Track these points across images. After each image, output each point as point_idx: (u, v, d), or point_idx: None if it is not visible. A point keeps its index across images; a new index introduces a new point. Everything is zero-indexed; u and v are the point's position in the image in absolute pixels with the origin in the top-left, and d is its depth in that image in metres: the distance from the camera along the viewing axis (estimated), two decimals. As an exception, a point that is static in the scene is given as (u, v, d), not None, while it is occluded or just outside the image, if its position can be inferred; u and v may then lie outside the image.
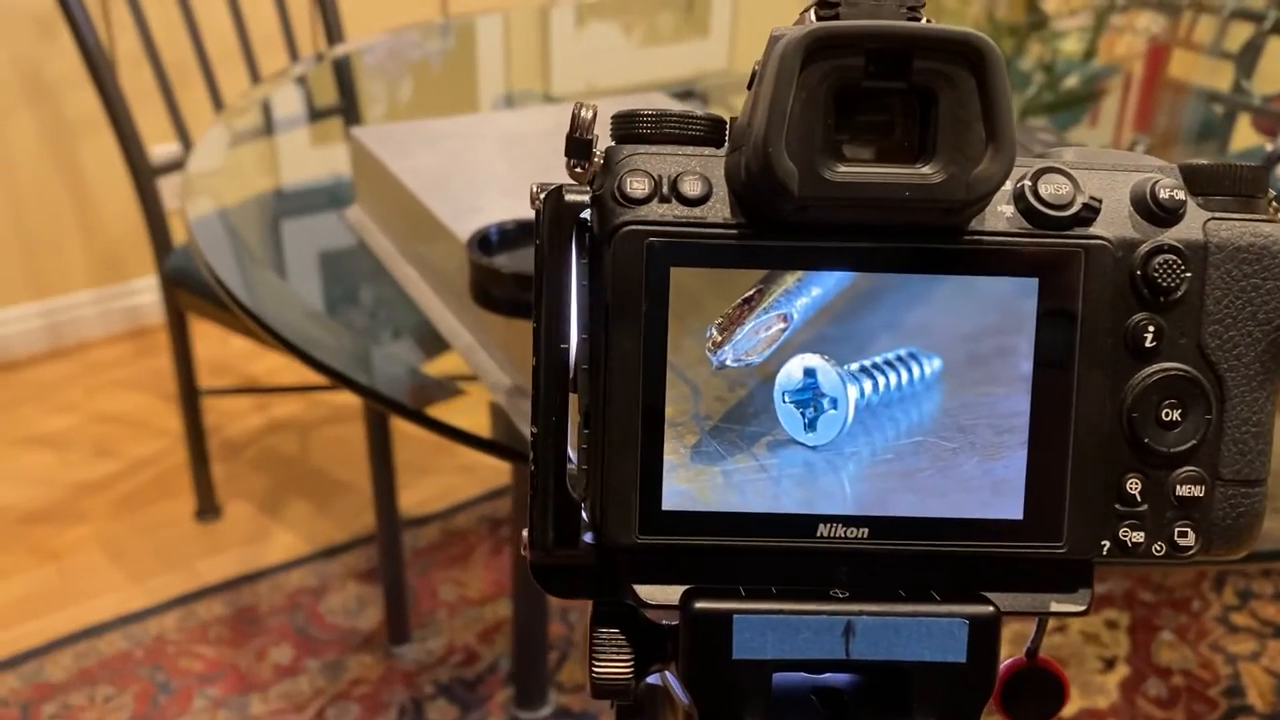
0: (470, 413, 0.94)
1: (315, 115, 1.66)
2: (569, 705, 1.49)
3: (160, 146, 1.79)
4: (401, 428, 1.64)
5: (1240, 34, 1.84)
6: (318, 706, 1.49)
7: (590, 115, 0.33)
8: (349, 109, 1.68)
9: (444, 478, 1.91)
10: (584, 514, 0.34)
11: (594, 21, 2.08)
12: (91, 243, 2.25)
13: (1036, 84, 1.74)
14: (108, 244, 2.27)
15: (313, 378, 1.87)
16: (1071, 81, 1.78)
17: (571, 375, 0.34)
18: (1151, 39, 1.86)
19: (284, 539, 1.79)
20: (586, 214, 0.33)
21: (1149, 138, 1.59)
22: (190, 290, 1.61)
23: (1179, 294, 0.33)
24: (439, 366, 1.01)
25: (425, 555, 1.75)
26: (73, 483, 1.91)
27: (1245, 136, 1.68)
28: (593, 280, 0.33)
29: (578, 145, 0.33)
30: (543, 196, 0.33)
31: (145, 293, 2.30)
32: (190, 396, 1.73)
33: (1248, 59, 1.79)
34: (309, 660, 1.56)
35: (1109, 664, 1.57)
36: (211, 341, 2.09)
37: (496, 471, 1.89)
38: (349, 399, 2.02)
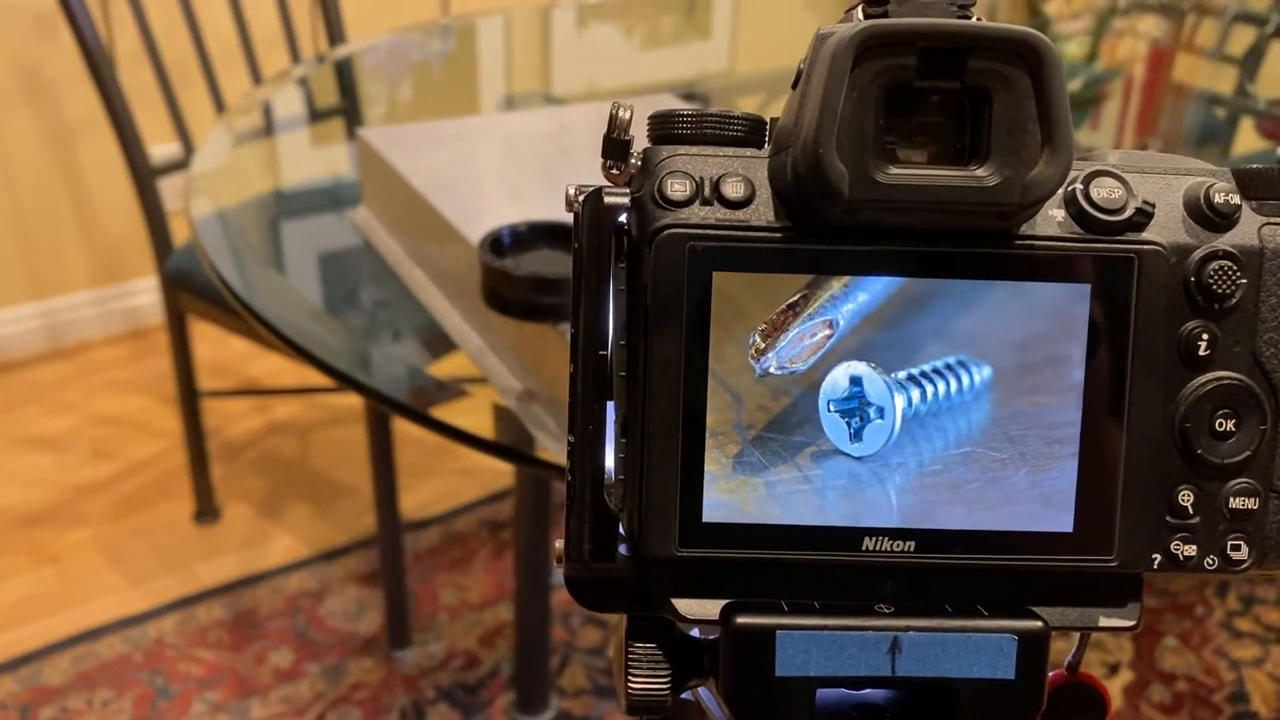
0: (474, 414, 0.93)
1: (316, 116, 1.66)
2: (570, 710, 1.48)
3: (160, 147, 1.78)
4: (402, 430, 1.63)
5: (1243, 38, 1.84)
6: (318, 710, 1.48)
7: (628, 116, 0.32)
8: (350, 110, 1.67)
9: (445, 480, 1.90)
10: (621, 526, 0.33)
11: (595, 23, 2.07)
12: (91, 243, 2.24)
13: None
14: (107, 244, 2.25)
15: (313, 379, 1.86)
16: (1074, 85, 1.77)
17: (610, 383, 0.33)
18: (1153, 42, 1.85)
19: (284, 542, 1.78)
20: (624, 217, 0.32)
21: (1159, 141, 1.59)
22: (190, 291, 1.59)
23: (1233, 301, 0.32)
24: (443, 368, 1.00)
25: (426, 558, 1.74)
26: (71, 484, 1.90)
27: (1249, 140, 1.68)
28: (631, 285, 0.32)
29: (615, 146, 0.32)
30: (581, 199, 0.32)
31: (144, 293, 2.29)
32: (190, 398, 1.72)
33: (1251, 62, 1.78)
34: (309, 664, 1.55)
35: (1113, 670, 1.57)
36: (211, 343, 2.08)
37: (498, 474, 1.88)
38: (349, 401, 2.01)
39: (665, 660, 0.34)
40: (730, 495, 0.32)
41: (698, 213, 0.31)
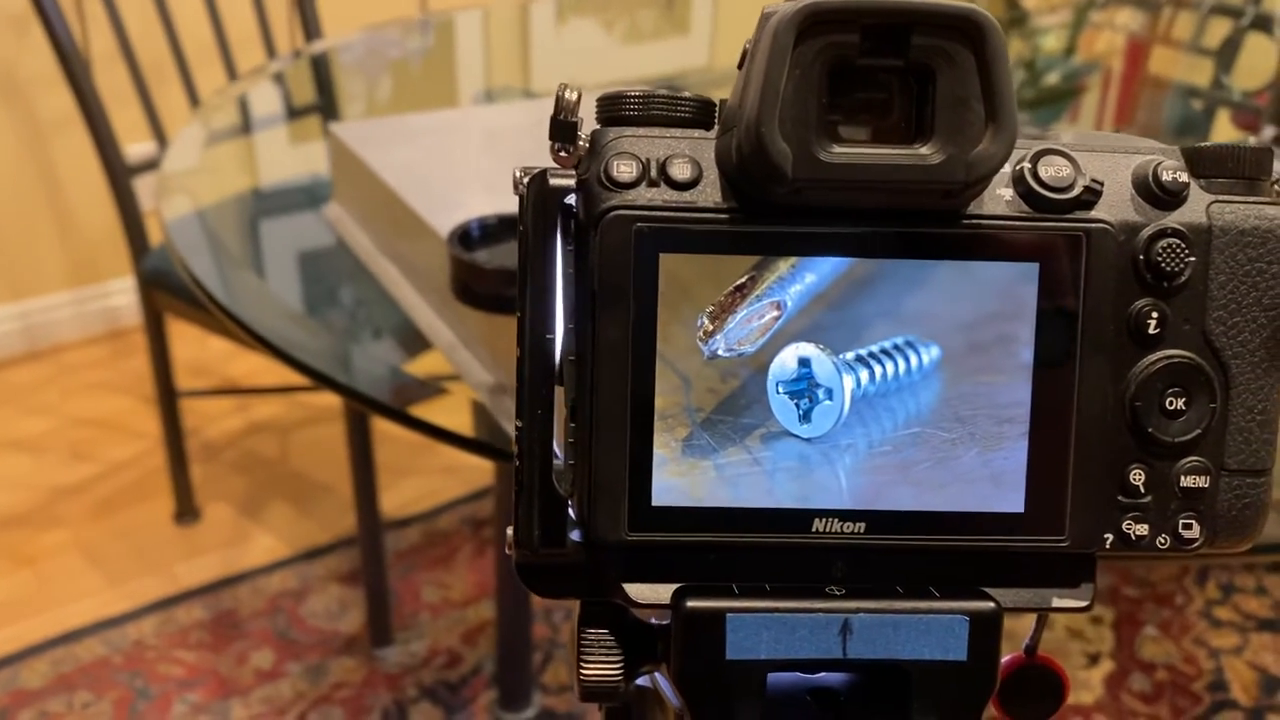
0: (453, 412, 0.93)
1: (293, 113, 1.65)
2: (553, 706, 1.48)
3: (136, 145, 1.77)
4: (382, 429, 1.62)
5: (1219, 30, 1.84)
6: (299, 710, 1.47)
7: (575, 97, 0.32)
8: (327, 106, 1.67)
9: (425, 479, 1.89)
10: (571, 511, 0.33)
11: (574, 18, 2.07)
12: (67, 243, 2.23)
13: (1017, 80, 1.73)
14: (83, 244, 2.24)
15: (292, 379, 1.85)
16: (1052, 78, 1.77)
17: (557, 367, 0.32)
18: (1131, 35, 1.86)
19: (264, 541, 1.77)
20: (572, 199, 0.32)
21: (1135, 132, 1.59)
22: (168, 291, 1.59)
23: (1183, 279, 0.32)
24: (421, 365, 1.00)
25: (407, 557, 1.74)
26: (49, 486, 1.89)
27: (1224, 132, 1.68)
28: (578, 268, 0.32)
29: (562, 128, 0.32)
30: (526, 181, 0.32)
31: (122, 294, 2.28)
32: (168, 398, 1.71)
33: (1227, 55, 1.79)
34: (290, 664, 1.55)
35: (1093, 659, 1.57)
36: (189, 342, 2.07)
37: (478, 472, 1.87)
38: (329, 400, 2.00)
39: (618, 646, 0.33)
40: (680, 478, 0.32)
41: (644, 194, 0.31)
